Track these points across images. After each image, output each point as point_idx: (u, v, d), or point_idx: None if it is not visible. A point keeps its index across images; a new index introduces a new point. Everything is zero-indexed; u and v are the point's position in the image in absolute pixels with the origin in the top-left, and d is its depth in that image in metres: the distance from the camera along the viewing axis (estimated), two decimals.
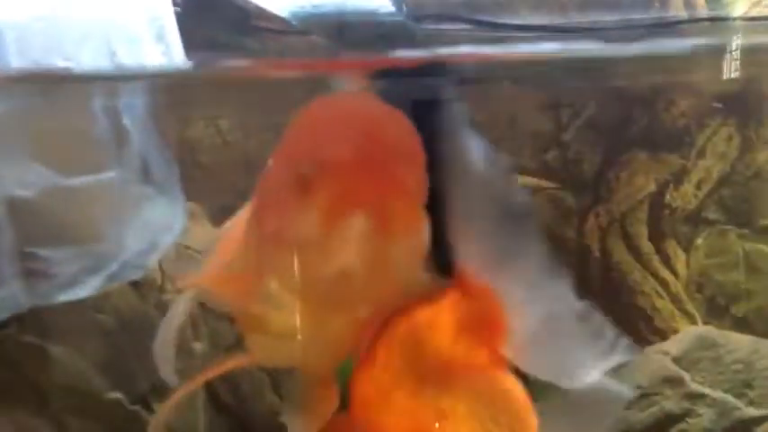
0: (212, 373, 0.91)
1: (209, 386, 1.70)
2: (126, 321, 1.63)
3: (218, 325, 1.72)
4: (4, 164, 1.25)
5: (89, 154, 1.32)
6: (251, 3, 1.35)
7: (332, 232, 0.68)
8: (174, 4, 1.32)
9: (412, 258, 0.72)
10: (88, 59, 1.20)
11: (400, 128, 0.74)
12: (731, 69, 1.19)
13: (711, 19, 1.23)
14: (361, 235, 0.67)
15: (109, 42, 1.24)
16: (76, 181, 1.31)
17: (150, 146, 1.39)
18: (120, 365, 1.61)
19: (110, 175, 1.33)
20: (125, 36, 1.24)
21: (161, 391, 1.65)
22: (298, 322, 0.75)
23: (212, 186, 1.96)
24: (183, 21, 1.45)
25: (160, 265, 1.66)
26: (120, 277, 1.39)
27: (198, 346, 1.69)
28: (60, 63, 1.14)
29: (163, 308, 1.66)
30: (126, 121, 1.35)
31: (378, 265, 0.69)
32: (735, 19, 1.20)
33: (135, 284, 1.62)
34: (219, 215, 1.91)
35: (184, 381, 1.67)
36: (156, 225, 1.41)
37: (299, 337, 0.76)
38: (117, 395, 1.60)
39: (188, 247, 1.74)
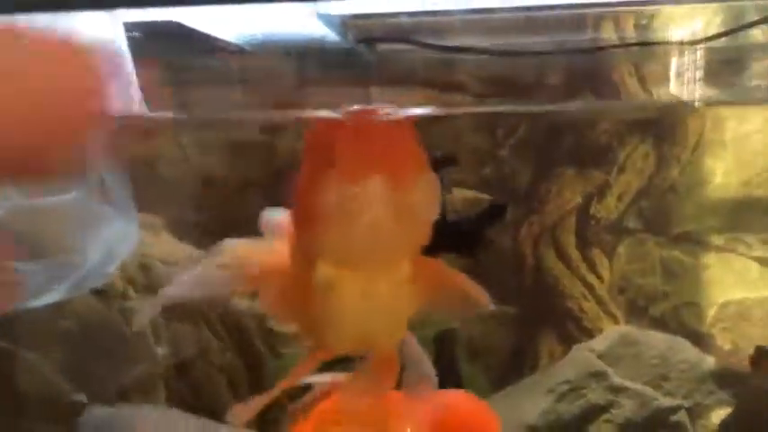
0: (296, 379, 0.89)
1: (167, 384, 1.65)
2: (90, 327, 1.58)
3: (180, 329, 1.68)
4: None
5: None
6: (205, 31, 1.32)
7: (356, 195, 0.72)
8: (129, 30, 1.29)
9: (428, 207, 0.77)
10: None
11: (399, 122, 0.80)
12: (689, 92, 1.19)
13: (642, 44, 1.22)
14: (381, 192, 0.72)
15: None
16: (42, 201, 1.30)
17: (108, 170, 1.38)
18: (85, 369, 1.56)
19: (72, 195, 1.33)
20: None
21: (123, 394, 1.60)
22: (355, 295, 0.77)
23: (172, 199, 1.92)
24: (141, 45, 1.41)
25: (122, 274, 1.63)
26: (84, 285, 1.39)
27: (160, 351, 1.64)
28: None
29: (125, 314, 1.61)
30: None
31: (400, 216, 0.74)
32: (662, 43, 1.19)
33: (98, 292, 1.58)
34: (179, 227, 1.87)
35: (147, 385, 1.63)
36: (113, 239, 1.41)
37: (362, 312, 0.79)
38: (81, 398, 1.55)
39: (149, 256, 1.69)
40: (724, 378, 1.91)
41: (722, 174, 2.03)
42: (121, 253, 1.42)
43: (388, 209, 0.73)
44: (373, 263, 0.77)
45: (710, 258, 2.06)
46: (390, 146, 0.74)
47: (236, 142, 1.86)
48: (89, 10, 1.12)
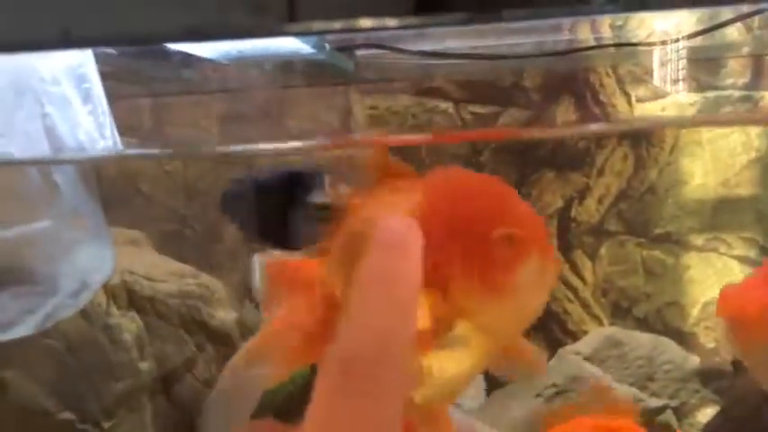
0: None
1: (152, 399, 1.62)
2: (74, 345, 1.56)
3: (164, 347, 1.65)
4: None
5: (24, 207, 1.29)
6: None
7: (542, 278, 0.68)
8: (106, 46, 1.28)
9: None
10: (22, 123, 1.19)
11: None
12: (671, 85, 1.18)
13: (617, 45, 1.21)
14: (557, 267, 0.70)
15: (42, 105, 1.22)
16: (11, 232, 1.27)
17: (78, 197, 1.36)
18: (70, 387, 1.54)
19: (42, 224, 1.29)
20: (55, 97, 1.23)
21: (109, 410, 1.58)
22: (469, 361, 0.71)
23: (154, 214, 1.89)
24: (122, 60, 1.39)
25: (105, 291, 1.60)
26: (55, 317, 1.35)
27: (145, 366, 1.61)
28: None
29: (109, 331, 1.59)
30: (56, 176, 1.32)
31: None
32: (639, 44, 1.18)
33: (82, 309, 1.55)
34: (162, 241, 1.84)
35: (132, 400, 1.60)
36: (86, 268, 1.37)
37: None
38: (68, 416, 1.53)
39: (132, 273, 1.67)
40: (708, 377, 1.90)
41: (700, 174, 2.03)
42: (95, 282, 1.38)
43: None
44: (516, 334, 0.73)
45: (692, 258, 2.06)
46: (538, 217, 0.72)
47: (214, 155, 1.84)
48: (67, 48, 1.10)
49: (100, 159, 1.38)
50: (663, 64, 1.19)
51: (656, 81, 1.23)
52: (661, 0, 0.57)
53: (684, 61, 1.20)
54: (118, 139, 1.34)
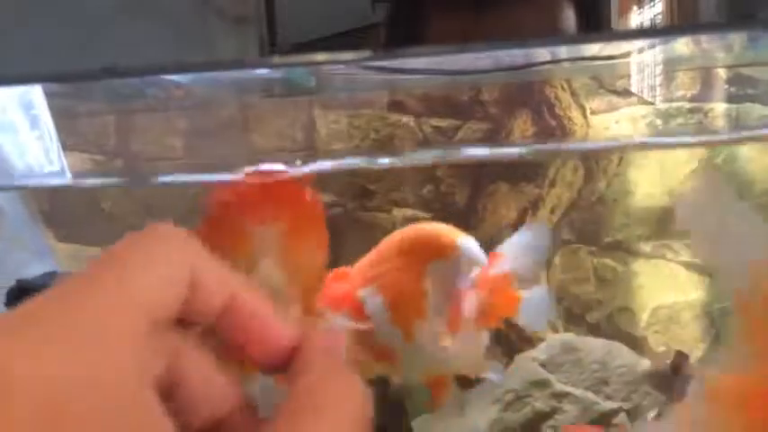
0: None
1: None
2: None
3: None
4: None
5: None
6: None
7: None
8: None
9: None
10: None
11: None
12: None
13: (572, 59, 1.23)
14: None
15: None
16: None
17: (21, 220, 1.33)
18: None
19: None
20: (2, 124, 1.21)
21: None
22: None
23: (114, 232, 1.85)
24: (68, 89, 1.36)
25: None
26: None
27: None
28: None
29: None
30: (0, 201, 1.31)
31: None
32: (593, 58, 1.20)
33: None
34: None
35: None
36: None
37: None
38: None
39: None
40: (658, 379, 1.92)
41: (647, 184, 2.06)
42: None
43: None
44: None
45: (640, 265, 2.08)
46: None
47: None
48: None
49: (46, 189, 1.35)
50: (617, 77, 1.21)
51: (610, 94, 1.25)
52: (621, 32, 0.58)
53: (637, 74, 1.22)
54: (65, 163, 1.32)
